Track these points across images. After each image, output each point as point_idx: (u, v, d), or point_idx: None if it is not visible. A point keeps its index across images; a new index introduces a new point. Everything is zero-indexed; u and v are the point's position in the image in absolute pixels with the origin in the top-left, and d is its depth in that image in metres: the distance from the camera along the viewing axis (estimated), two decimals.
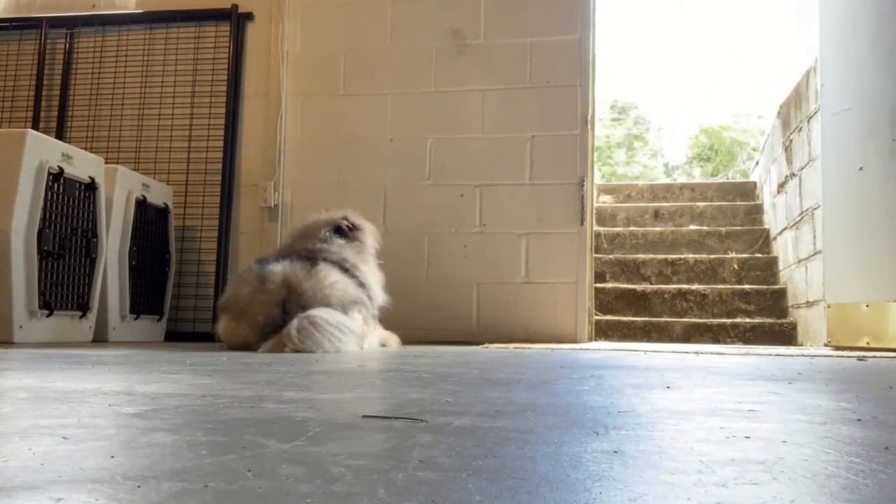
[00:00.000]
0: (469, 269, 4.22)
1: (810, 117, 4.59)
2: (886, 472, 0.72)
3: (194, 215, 4.50)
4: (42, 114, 4.73)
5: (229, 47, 4.58)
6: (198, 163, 4.54)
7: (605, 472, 0.71)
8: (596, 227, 4.98)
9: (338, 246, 3.33)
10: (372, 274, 3.41)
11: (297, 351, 2.73)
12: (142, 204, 4.00)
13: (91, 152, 3.76)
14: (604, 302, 5.15)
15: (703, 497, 0.62)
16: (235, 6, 4.60)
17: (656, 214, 6.27)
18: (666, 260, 5.54)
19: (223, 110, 4.54)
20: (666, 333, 4.86)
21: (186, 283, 4.45)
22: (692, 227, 6.04)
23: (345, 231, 3.43)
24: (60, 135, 4.56)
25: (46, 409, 1.08)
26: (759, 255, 5.66)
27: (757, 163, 6.89)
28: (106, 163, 3.80)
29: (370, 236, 3.56)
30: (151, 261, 4.11)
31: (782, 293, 5.13)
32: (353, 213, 3.58)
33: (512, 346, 3.66)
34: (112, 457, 0.75)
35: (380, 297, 3.40)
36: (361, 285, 3.25)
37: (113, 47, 4.76)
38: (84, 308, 3.54)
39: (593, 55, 4.31)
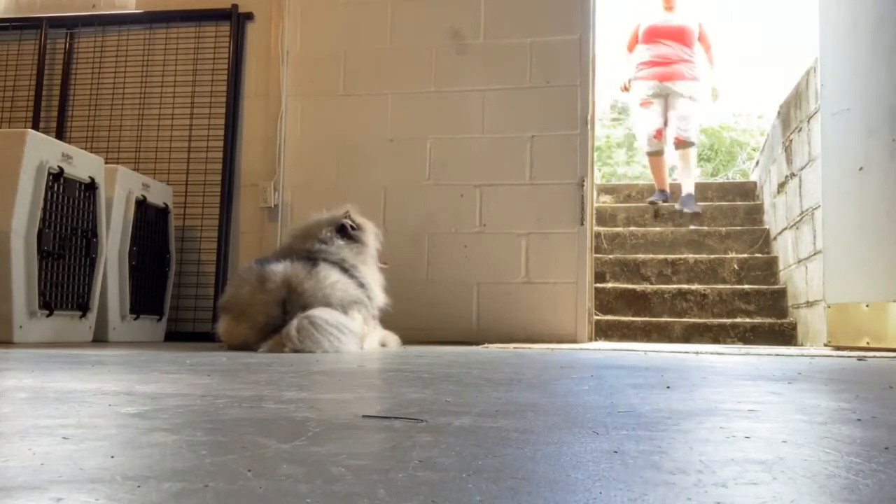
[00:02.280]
0: (469, 269, 4.22)
1: (810, 117, 4.59)
2: (886, 472, 0.72)
3: (194, 215, 4.50)
4: (42, 114, 4.73)
5: (229, 47, 4.58)
6: (198, 163, 4.54)
7: (605, 472, 0.71)
8: (596, 227, 4.98)
9: (337, 247, 3.33)
10: (371, 275, 3.41)
11: (297, 351, 2.73)
12: (142, 204, 4.00)
13: (91, 152, 3.76)
14: (604, 302, 5.15)
15: (703, 497, 0.62)
16: (235, 6, 4.60)
17: (656, 214, 6.28)
18: (666, 260, 5.54)
19: (223, 110, 4.54)
20: (666, 333, 4.85)
21: (186, 283, 4.45)
22: (692, 227, 6.05)
23: (347, 230, 3.43)
24: (60, 135, 4.56)
25: (46, 409, 1.08)
26: (759, 255, 5.66)
27: (757, 163, 6.89)
28: (106, 163, 3.80)
29: (372, 236, 3.55)
30: (151, 261, 4.11)
31: (782, 293, 5.13)
32: (355, 211, 3.57)
33: (512, 346, 3.66)
34: (112, 457, 0.75)
35: (380, 297, 3.39)
36: (361, 286, 3.25)
37: (113, 47, 4.76)
38: (84, 308, 3.54)
39: (593, 55, 4.31)
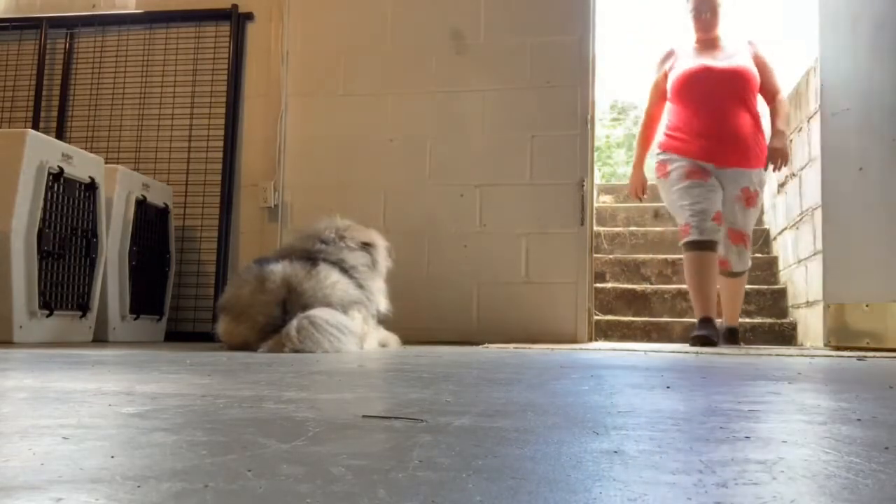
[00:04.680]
0: (469, 269, 4.22)
1: (810, 117, 4.58)
2: (886, 472, 0.72)
3: (194, 215, 4.50)
4: (42, 114, 4.73)
5: (229, 47, 4.58)
6: (198, 163, 4.54)
7: (605, 472, 0.71)
8: (596, 227, 4.98)
9: (337, 248, 3.32)
10: (373, 280, 3.38)
11: (297, 351, 2.73)
12: (142, 204, 4.00)
13: (91, 152, 3.77)
14: (604, 302, 5.15)
15: (703, 497, 0.62)
16: (235, 6, 4.60)
17: (656, 214, 6.27)
18: (666, 260, 5.53)
19: (223, 110, 4.54)
20: (666, 333, 4.85)
21: (186, 283, 4.45)
22: None
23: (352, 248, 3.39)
24: (60, 135, 4.56)
25: (46, 409, 1.08)
26: (759, 255, 5.66)
27: None
28: (106, 163, 3.81)
29: (382, 254, 3.49)
30: (151, 261, 4.11)
31: (782, 293, 5.13)
32: (360, 230, 3.49)
33: (512, 346, 3.66)
34: (112, 457, 0.75)
35: (382, 302, 3.38)
36: (360, 286, 3.25)
37: (113, 47, 4.76)
38: (84, 308, 3.54)
39: (593, 55, 4.31)
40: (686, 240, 3.95)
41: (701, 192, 3.94)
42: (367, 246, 3.43)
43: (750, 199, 4.03)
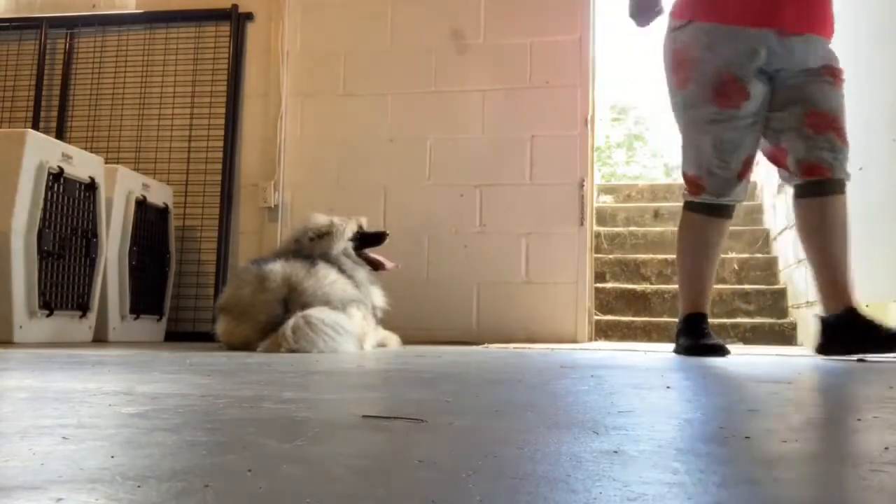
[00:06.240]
0: (469, 269, 4.22)
1: None
2: (886, 471, 0.72)
3: (194, 215, 4.50)
4: (42, 114, 4.72)
5: (229, 47, 4.58)
6: (198, 163, 4.54)
7: (605, 471, 0.71)
8: (596, 227, 4.98)
9: (310, 245, 3.32)
10: (360, 274, 3.37)
11: (293, 351, 2.72)
12: (142, 204, 4.00)
13: (91, 152, 3.76)
14: (604, 302, 5.15)
15: (704, 497, 0.62)
16: (235, 6, 4.60)
17: (656, 214, 6.27)
18: (666, 260, 5.53)
19: (223, 110, 4.54)
20: (666, 333, 4.85)
21: (186, 283, 4.45)
22: None
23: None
24: (60, 135, 4.56)
25: (46, 409, 1.08)
26: (759, 255, 5.66)
27: (757, 162, 6.88)
28: (106, 163, 3.80)
29: (335, 240, 3.40)
30: (151, 261, 4.11)
31: (782, 293, 5.13)
32: (321, 221, 3.44)
33: (512, 346, 3.66)
34: (112, 457, 0.75)
35: (377, 297, 3.37)
36: (357, 285, 3.24)
37: (113, 47, 4.76)
38: (84, 308, 3.54)
39: (593, 55, 4.31)
40: (693, 199, 2.68)
41: (726, 129, 2.60)
42: (321, 237, 3.39)
43: (836, 74, 2.64)
